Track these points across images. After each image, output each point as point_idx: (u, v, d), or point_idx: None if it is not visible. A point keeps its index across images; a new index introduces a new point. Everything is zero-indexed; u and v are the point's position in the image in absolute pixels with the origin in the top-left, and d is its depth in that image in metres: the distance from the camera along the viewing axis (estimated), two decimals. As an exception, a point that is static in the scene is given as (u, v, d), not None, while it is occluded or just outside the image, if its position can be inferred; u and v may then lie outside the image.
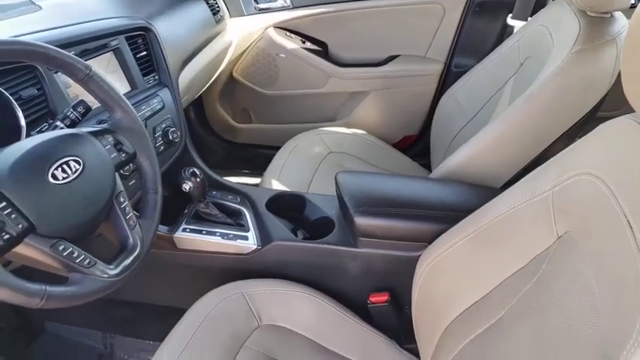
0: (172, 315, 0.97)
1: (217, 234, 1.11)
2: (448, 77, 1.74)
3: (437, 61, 1.76)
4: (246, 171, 2.02)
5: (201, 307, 0.99)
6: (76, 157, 0.70)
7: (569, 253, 0.64)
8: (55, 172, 0.67)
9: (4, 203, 0.61)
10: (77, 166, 0.70)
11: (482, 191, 1.02)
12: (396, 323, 1.04)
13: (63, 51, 0.72)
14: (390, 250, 1.01)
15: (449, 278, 0.86)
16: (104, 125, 0.80)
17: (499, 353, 0.66)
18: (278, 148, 1.58)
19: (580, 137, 0.74)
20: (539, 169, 0.79)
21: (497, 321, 0.71)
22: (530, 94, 1.06)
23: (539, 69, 1.12)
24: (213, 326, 0.96)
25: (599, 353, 0.51)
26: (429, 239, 0.95)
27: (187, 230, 1.11)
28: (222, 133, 1.99)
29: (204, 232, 1.11)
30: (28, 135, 0.80)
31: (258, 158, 1.84)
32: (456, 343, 0.79)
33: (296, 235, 1.11)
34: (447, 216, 0.95)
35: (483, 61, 1.47)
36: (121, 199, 0.77)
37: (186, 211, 1.16)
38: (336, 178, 1.10)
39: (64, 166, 0.68)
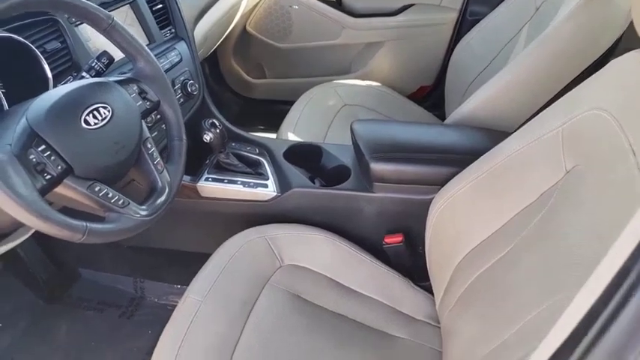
0: (198, 260, 1.03)
1: (238, 182, 1.15)
2: (463, 25, 1.72)
3: (452, 9, 1.74)
4: (261, 127, 2.06)
5: (225, 250, 1.05)
6: (105, 103, 0.74)
7: (576, 186, 0.67)
8: (87, 117, 0.71)
9: (43, 146, 0.66)
10: (107, 113, 0.74)
11: (494, 135, 1.04)
12: (410, 263, 1.09)
13: (87, 1, 0.75)
14: (404, 193, 1.05)
15: (460, 218, 0.90)
16: (128, 75, 0.84)
17: (508, 282, 0.70)
18: (292, 102, 1.60)
19: (591, 77, 0.76)
20: (549, 108, 0.81)
21: (506, 253, 0.75)
22: (543, 38, 1.06)
23: (555, 13, 1.12)
24: (238, 266, 1.02)
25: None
26: (442, 182, 0.98)
27: (210, 179, 1.16)
28: (236, 89, 2.01)
29: (225, 180, 1.16)
30: (55, 87, 0.84)
31: (272, 114, 1.87)
32: (466, 277, 0.84)
33: (313, 183, 1.15)
34: (460, 159, 0.97)
35: (499, 7, 1.45)
36: (149, 145, 0.82)
37: (207, 161, 1.21)
38: (351, 127, 1.12)
39: (95, 112, 0.72)
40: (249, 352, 0.88)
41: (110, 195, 0.73)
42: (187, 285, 1.37)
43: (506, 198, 0.81)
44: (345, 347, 0.93)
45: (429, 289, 1.04)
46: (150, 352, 1.25)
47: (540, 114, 0.82)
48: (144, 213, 0.76)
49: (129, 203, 0.75)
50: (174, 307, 1.36)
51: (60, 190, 0.69)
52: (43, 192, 0.65)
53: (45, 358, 1.23)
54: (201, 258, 1.04)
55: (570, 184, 0.69)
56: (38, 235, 1.33)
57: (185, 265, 1.22)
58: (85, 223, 0.67)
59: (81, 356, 1.23)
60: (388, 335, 0.97)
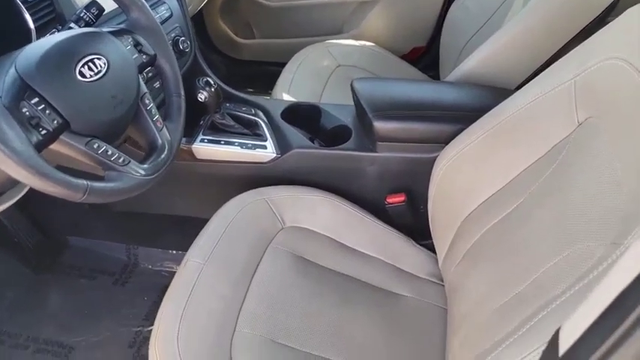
0: (193, 225, 1.00)
1: (235, 144, 1.12)
2: (458, -16, 1.68)
3: (446, -34, 1.69)
4: (251, 90, 2.00)
5: (225, 213, 1.03)
6: (101, 55, 0.69)
7: (590, 137, 0.66)
8: (82, 69, 0.67)
9: (36, 99, 0.61)
10: (102, 65, 0.69)
11: (497, 92, 1.02)
12: (412, 222, 1.08)
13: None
14: (408, 152, 1.03)
15: (466, 174, 0.89)
16: (122, 25, 0.79)
17: (519, 236, 0.70)
18: (283, 64, 1.55)
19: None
20: (559, 61, 0.79)
21: (515, 208, 0.74)
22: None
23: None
24: (239, 228, 0.99)
25: (620, 222, 0.54)
26: (446, 140, 0.96)
27: (205, 141, 1.12)
28: (224, 50, 1.94)
29: (222, 142, 1.12)
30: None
31: (263, 76, 1.81)
32: (473, 233, 0.83)
33: (313, 144, 1.12)
34: (465, 116, 0.95)
35: (496, -37, 1.41)
36: (146, 101, 0.77)
37: (202, 122, 1.17)
38: (352, 85, 1.09)
39: (90, 64, 0.68)
40: (255, 314, 0.87)
41: (110, 152, 0.69)
42: (183, 250, 1.34)
43: (515, 153, 0.80)
44: (350, 306, 0.93)
45: (430, 248, 1.04)
46: (147, 318, 1.24)
47: (550, 67, 0.80)
48: (145, 172, 0.72)
49: (129, 162, 0.71)
50: (169, 273, 1.36)
51: (56, 146, 0.65)
52: (39, 148, 0.61)
53: (37, 327, 1.20)
54: (198, 223, 1.01)
55: (583, 136, 0.68)
56: (23, 203, 1.29)
57: (180, 231, 1.19)
58: (85, 182, 0.63)
59: (75, 324, 1.21)
60: (392, 293, 0.97)
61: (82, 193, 0.63)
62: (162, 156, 0.77)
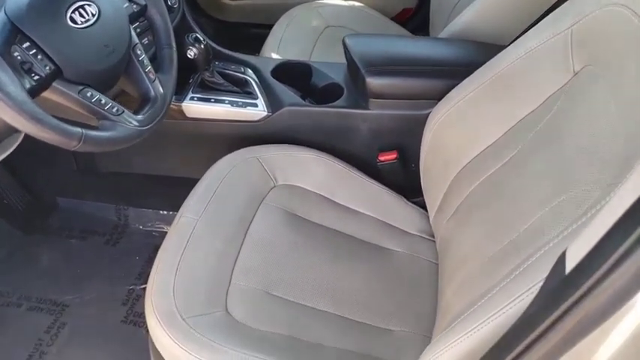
0: (184, 186, 1.00)
1: (226, 102, 1.11)
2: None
3: None
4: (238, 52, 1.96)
5: (217, 171, 1.02)
6: (91, 1, 0.67)
7: (587, 86, 0.67)
8: (73, 15, 0.65)
9: (27, 43, 0.60)
10: (93, 12, 0.67)
11: (490, 47, 1.02)
12: (404, 179, 1.09)
13: None
14: (401, 109, 1.03)
15: (460, 129, 0.90)
16: (111, -27, 0.76)
17: (513, 186, 0.71)
18: (270, 26, 1.53)
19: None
20: (555, 12, 0.79)
21: (510, 159, 0.75)
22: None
23: None
24: (231, 186, 1.00)
25: (617, 165, 0.55)
26: (439, 96, 0.97)
27: (195, 99, 1.11)
28: (211, 12, 1.90)
29: (212, 100, 1.11)
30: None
31: (251, 38, 1.77)
32: (467, 186, 0.84)
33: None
34: (457, 71, 0.96)
35: None
36: (138, 52, 0.76)
37: (191, 80, 1.15)
38: (344, 42, 1.08)
39: (81, 10, 0.66)
40: (249, 267, 0.88)
41: (103, 102, 0.68)
42: (174, 211, 1.34)
43: (509, 106, 0.81)
44: (342, 260, 0.95)
45: (421, 205, 1.06)
46: (139, 277, 1.25)
47: (545, 19, 0.81)
48: (139, 123, 0.72)
49: (123, 112, 0.71)
50: (160, 233, 1.36)
51: (49, 94, 0.64)
52: (32, 94, 0.60)
53: (29, 286, 1.20)
54: (188, 183, 1.01)
55: (580, 86, 0.69)
56: (12, 165, 1.27)
57: (170, 191, 1.19)
58: (80, 130, 0.62)
59: (67, 283, 1.21)
60: (383, 249, 0.99)
61: (76, 140, 0.62)
62: (156, 107, 0.76)
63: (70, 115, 0.68)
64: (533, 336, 0.36)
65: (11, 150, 0.81)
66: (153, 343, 0.80)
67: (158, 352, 0.79)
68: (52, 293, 1.18)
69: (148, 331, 1.12)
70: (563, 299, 0.31)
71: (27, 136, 0.99)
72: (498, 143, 0.81)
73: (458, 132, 0.90)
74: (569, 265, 0.35)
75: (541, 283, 0.52)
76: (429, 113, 0.97)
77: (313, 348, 0.79)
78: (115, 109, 0.69)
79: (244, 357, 0.73)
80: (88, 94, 0.66)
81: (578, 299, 0.32)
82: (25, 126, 0.57)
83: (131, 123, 0.72)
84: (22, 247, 1.29)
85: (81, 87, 0.65)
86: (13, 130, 0.71)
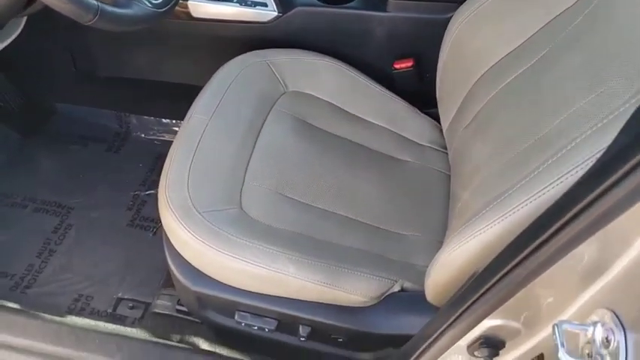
0: (189, 93, 0.96)
1: (234, 0, 1.05)
2: None
3: None
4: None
5: (225, 73, 0.99)
6: None
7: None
8: None
9: None
10: None
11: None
12: (418, 89, 1.07)
13: None
14: (420, 12, 0.99)
15: (483, 33, 0.86)
16: None
17: (541, 85, 0.69)
18: None
19: None
20: None
21: (538, 60, 0.72)
22: None
23: None
24: (241, 88, 0.96)
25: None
26: (461, -1, 0.92)
27: (202, -4, 1.05)
28: None
29: (219, -2, 1.05)
30: None
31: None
32: (484, 95, 0.82)
33: (317, 2, 1.06)
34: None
35: None
36: None
37: (197, -24, 1.08)
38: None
39: None
40: (262, 169, 0.87)
41: (119, -22, 0.63)
42: (177, 119, 1.32)
43: (539, 6, 0.77)
44: (352, 168, 0.94)
45: (434, 117, 1.04)
46: (143, 184, 1.24)
47: None
48: (155, 4, 0.67)
49: (139, -9, 0.66)
50: (162, 142, 1.33)
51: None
52: None
53: (32, 189, 1.19)
54: (192, 91, 0.97)
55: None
56: (8, 66, 1.21)
57: (173, 99, 1.15)
58: (97, 3, 0.58)
59: (70, 188, 1.20)
60: (394, 159, 0.98)
61: (92, 14, 0.58)
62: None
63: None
64: (576, 209, 0.36)
65: (12, 38, 0.76)
66: (167, 238, 0.80)
67: (172, 246, 0.79)
68: (56, 196, 1.17)
69: (155, 233, 1.15)
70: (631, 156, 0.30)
71: (26, 30, 0.94)
72: (525, 46, 0.78)
73: (480, 36, 0.86)
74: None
75: (568, 176, 0.51)
76: (451, 17, 0.92)
77: (324, 245, 0.80)
78: (131, -12, 0.64)
79: (257, 247, 0.74)
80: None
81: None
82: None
83: (148, 3, 0.67)
84: (21, 151, 1.27)
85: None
86: (18, 9, 0.66)
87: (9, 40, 0.75)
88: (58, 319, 0.87)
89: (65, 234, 1.12)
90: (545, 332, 0.43)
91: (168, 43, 1.16)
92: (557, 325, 0.36)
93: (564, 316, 0.40)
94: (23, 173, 1.22)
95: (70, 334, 0.82)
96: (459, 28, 0.89)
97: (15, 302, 0.93)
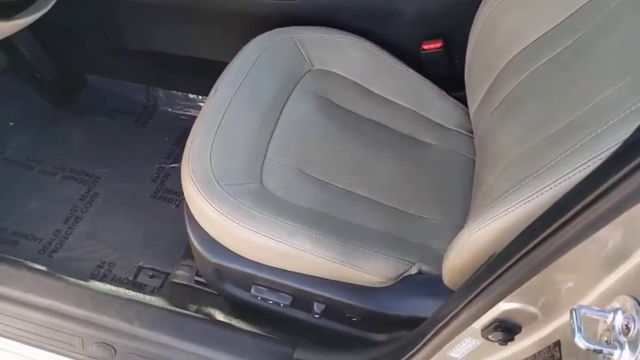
0: (216, 69, 0.96)
1: (264, -24, 1.04)
2: None
3: None
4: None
5: (251, 50, 0.98)
6: None
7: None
8: None
9: None
10: None
11: None
12: (446, 71, 1.05)
13: None
14: (452, -9, 0.96)
15: (516, 13, 0.83)
16: None
17: (576, 67, 0.66)
18: None
19: None
20: None
21: (575, 41, 0.70)
22: None
23: None
24: (266, 65, 0.96)
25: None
26: (496, -22, 0.89)
27: (231, -30, 1.04)
28: None
29: (248, -28, 1.04)
30: None
31: None
32: (514, 78, 0.79)
33: (347, -19, 1.04)
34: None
35: None
36: None
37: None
38: None
39: None
40: (283, 146, 0.87)
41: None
42: (203, 95, 1.33)
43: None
44: (375, 148, 0.93)
45: (461, 100, 1.02)
46: (168, 156, 1.26)
47: None
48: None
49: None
50: (188, 117, 1.35)
51: None
52: None
53: (62, 158, 1.22)
54: (218, 66, 0.97)
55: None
56: (43, 36, 1.23)
57: (200, 74, 1.16)
58: None
59: (97, 158, 1.23)
60: (418, 140, 0.97)
61: None
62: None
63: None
64: (604, 187, 0.35)
65: (48, 8, 0.78)
66: (188, 209, 0.81)
67: (193, 218, 0.81)
68: (84, 165, 1.20)
69: (177, 206, 1.16)
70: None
71: (61, 3, 0.95)
72: (559, 27, 0.75)
73: (514, 17, 0.84)
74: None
75: (599, 158, 0.49)
76: (486, -5, 0.90)
77: (342, 223, 0.80)
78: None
79: (277, 223, 0.74)
80: None
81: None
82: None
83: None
84: (53, 121, 1.30)
85: None
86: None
87: (44, 10, 0.76)
88: (81, 283, 0.89)
89: (91, 202, 1.15)
90: (564, 318, 0.42)
91: (197, 18, 1.16)
92: (575, 310, 0.35)
93: (584, 302, 0.39)
94: (54, 142, 1.26)
95: (91, 298, 0.85)
96: (491, 8, 0.86)
97: (42, 265, 0.96)
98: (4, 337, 0.89)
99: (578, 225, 0.36)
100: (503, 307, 0.46)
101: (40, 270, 0.92)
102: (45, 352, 0.88)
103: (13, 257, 0.97)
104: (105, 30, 1.25)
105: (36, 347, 0.88)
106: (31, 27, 0.96)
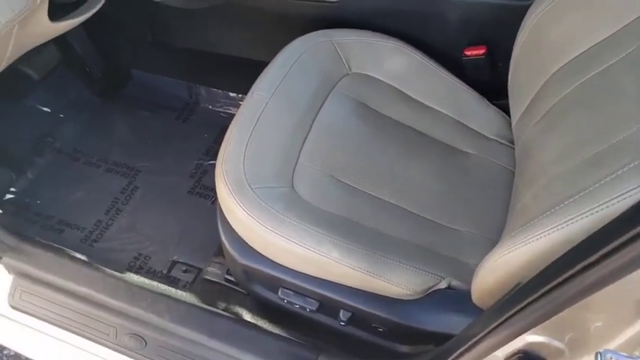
0: (256, 68, 0.97)
1: (306, -23, 1.04)
2: None
3: None
4: None
5: (290, 51, 0.99)
6: None
7: None
8: None
9: None
10: None
11: None
12: (489, 79, 1.01)
13: None
14: (498, -3, 0.92)
15: (566, 22, 0.79)
16: None
17: (626, 83, 0.63)
18: None
19: None
20: None
21: (626, 55, 0.66)
22: None
23: None
24: (304, 68, 0.96)
25: None
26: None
27: (274, -28, 1.05)
28: None
29: (290, -26, 1.04)
30: None
31: None
32: (560, 89, 0.76)
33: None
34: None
35: None
36: None
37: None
38: None
39: None
40: (316, 151, 0.87)
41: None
42: (243, 94, 1.34)
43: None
44: (410, 156, 0.91)
45: (503, 109, 0.98)
46: (207, 153, 1.29)
47: None
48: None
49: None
50: (228, 114, 1.37)
51: None
52: None
53: (106, 150, 1.27)
54: (259, 66, 0.98)
55: None
56: (93, 31, 1.28)
57: (241, 73, 1.17)
58: None
59: (139, 151, 1.27)
60: (456, 149, 0.94)
61: None
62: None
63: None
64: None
65: (99, 7, 0.80)
66: (220, 209, 0.82)
67: (225, 218, 0.82)
68: (126, 158, 1.25)
69: (213, 202, 1.19)
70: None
71: (110, 2, 0.99)
72: (611, 39, 0.71)
73: (562, 26, 0.80)
74: None
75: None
76: (531, 3, 0.86)
77: (371, 232, 0.79)
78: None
79: (304, 229, 0.74)
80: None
81: None
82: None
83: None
84: (99, 112, 1.35)
85: None
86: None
87: (96, 9, 0.79)
88: (117, 274, 0.93)
89: (131, 195, 1.19)
90: (591, 358, 0.40)
91: (239, 18, 1.18)
92: (601, 353, 0.33)
93: (613, 344, 0.37)
94: (99, 134, 1.31)
95: (126, 290, 0.88)
96: (539, 16, 0.82)
97: (83, 254, 1.00)
98: (45, 321, 0.94)
99: (616, 262, 0.34)
100: (529, 338, 0.44)
101: (80, 259, 0.96)
102: (81, 339, 0.92)
103: (57, 245, 1.02)
104: (150, 27, 1.29)
105: (73, 333, 0.92)
106: (84, 24, 1.00)
